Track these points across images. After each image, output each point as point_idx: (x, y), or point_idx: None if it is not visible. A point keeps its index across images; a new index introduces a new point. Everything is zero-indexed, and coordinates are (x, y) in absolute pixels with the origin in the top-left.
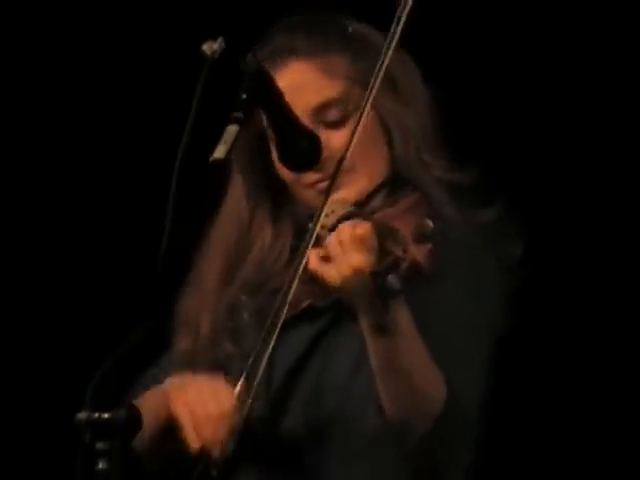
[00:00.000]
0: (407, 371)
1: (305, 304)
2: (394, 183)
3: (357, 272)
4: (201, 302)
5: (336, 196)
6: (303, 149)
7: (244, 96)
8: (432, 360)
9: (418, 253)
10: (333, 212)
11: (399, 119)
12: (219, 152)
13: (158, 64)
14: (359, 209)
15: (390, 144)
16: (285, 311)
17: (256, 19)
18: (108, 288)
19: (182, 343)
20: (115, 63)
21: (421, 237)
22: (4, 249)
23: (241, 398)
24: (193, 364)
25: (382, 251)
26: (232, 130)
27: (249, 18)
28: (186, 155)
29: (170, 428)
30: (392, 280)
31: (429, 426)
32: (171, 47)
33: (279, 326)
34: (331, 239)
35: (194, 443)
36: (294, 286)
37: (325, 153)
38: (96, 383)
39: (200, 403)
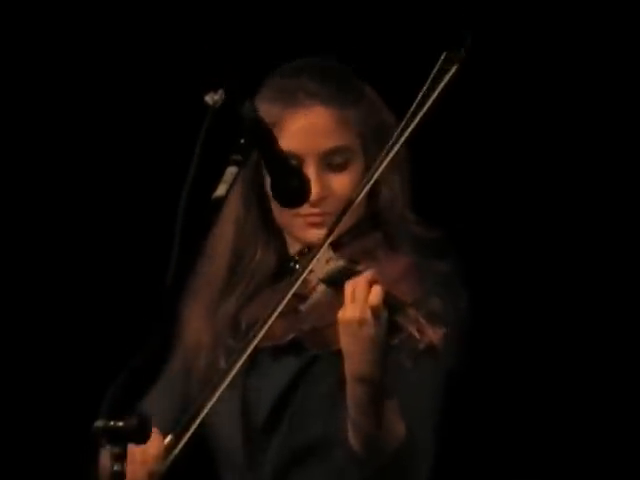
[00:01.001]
0: (376, 413)
1: (290, 337)
2: (366, 224)
3: (362, 322)
4: (203, 314)
5: (320, 233)
6: (294, 188)
7: (242, 140)
8: (397, 403)
9: (434, 337)
10: (327, 261)
11: (386, 176)
12: (220, 190)
13: (167, 113)
14: (351, 265)
15: (373, 195)
16: (251, 349)
17: (252, 72)
18: (124, 305)
19: (178, 359)
20: (132, 113)
21: (434, 319)
22: (18, 261)
23: (167, 448)
24: (188, 378)
25: (392, 323)
26: (231, 171)
27: (246, 71)
28: (192, 191)
29: None
30: (405, 357)
31: (387, 458)
32: (177, 98)
33: (240, 363)
34: (346, 294)
35: None
36: (269, 324)
37: (325, 192)
38: (111, 395)
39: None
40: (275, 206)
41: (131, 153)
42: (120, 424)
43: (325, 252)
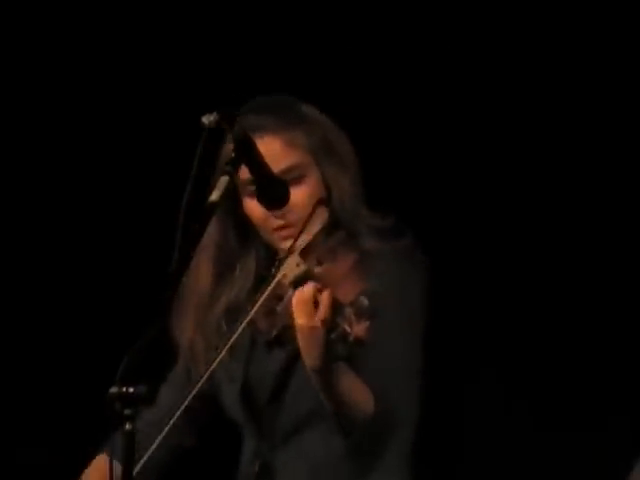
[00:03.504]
0: (340, 394)
1: (274, 333)
2: (329, 226)
3: (313, 329)
4: (193, 324)
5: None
6: (275, 193)
7: (233, 155)
8: (360, 383)
9: (359, 331)
10: (297, 265)
11: (338, 180)
12: (214, 196)
13: (169, 132)
14: (311, 269)
15: (329, 199)
16: (236, 335)
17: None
18: (139, 287)
19: (180, 362)
20: (135, 128)
21: (361, 314)
22: (51, 250)
23: None
24: (189, 376)
25: (333, 322)
26: (224, 180)
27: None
28: (191, 197)
29: None
30: (341, 349)
31: (362, 427)
32: (176, 118)
33: (227, 347)
34: (296, 302)
35: None
36: (248, 319)
37: (287, 205)
38: (124, 366)
39: None
40: (258, 225)
41: (134, 163)
42: (131, 390)
43: (294, 257)
